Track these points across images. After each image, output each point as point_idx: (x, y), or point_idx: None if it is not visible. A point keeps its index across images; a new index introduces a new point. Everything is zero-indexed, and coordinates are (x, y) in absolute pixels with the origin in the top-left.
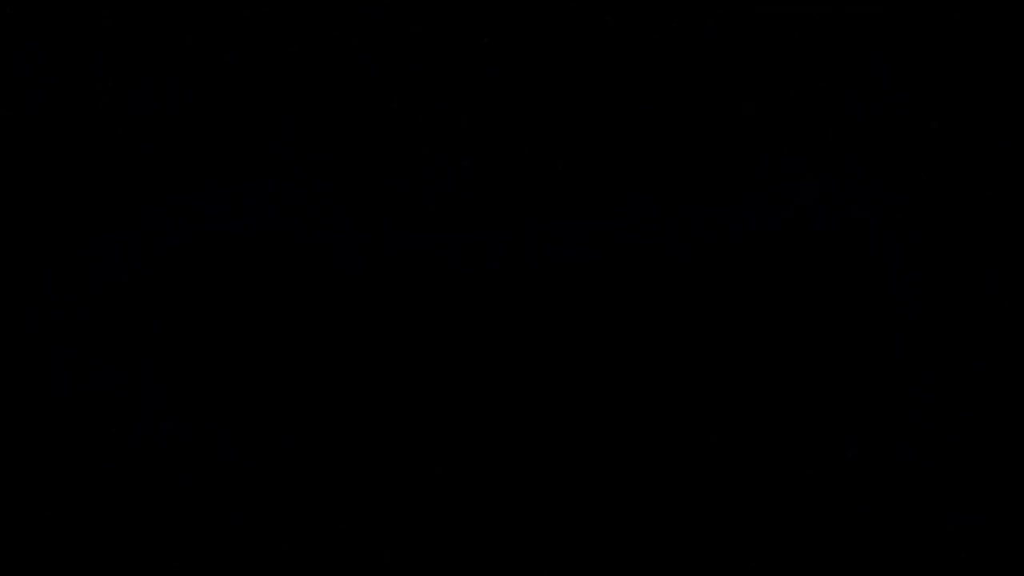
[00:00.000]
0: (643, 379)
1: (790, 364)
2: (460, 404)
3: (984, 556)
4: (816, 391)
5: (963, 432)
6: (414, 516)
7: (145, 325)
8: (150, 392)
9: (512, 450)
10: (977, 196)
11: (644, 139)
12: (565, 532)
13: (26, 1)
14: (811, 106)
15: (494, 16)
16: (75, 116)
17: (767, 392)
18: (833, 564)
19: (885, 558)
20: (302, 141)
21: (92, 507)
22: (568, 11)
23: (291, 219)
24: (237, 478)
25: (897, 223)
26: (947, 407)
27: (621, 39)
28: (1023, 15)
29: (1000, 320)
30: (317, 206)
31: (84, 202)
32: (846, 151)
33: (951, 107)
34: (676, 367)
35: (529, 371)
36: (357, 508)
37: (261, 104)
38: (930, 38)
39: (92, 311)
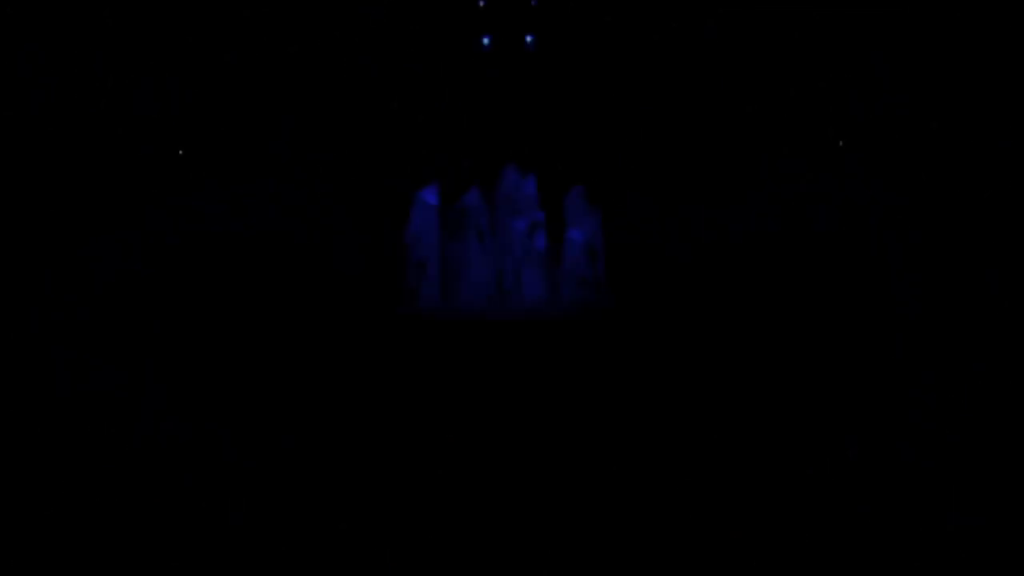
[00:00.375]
0: (642, 379)
1: (790, 364)
2: (460, 403)
3: (984, 556)
4: (816, 391)
5: (963, 432)
6: (413, 515)
7: (145, 325)
8: (150, 392)
9: (512, 449)
10: (977, 196)
11: (644, 139)
12: (565, 531)
13: (26, 1)
14: (811, 106)
15: (494, 16)
16: (75, 116)
17: (767, 392)
18: (833, 564)
19: (885, 558)
20: (302, 141)
21: (92, 506)
22: (568, 12)
23: (291, 219)
24: (237, 478)
25: (897, 223)
26: (947, 407)
27: (621, 39)
28: (1023, 15)
29: (1000, 320)
30: (317, 206)
31: (84, 202)
32: (846, 151)
33: (951, 107)
34: (675, 367)
35: (529, 370)
36: (357, 508)
37: (261, 104)
38: (930, 38)
39: (92, 311)
